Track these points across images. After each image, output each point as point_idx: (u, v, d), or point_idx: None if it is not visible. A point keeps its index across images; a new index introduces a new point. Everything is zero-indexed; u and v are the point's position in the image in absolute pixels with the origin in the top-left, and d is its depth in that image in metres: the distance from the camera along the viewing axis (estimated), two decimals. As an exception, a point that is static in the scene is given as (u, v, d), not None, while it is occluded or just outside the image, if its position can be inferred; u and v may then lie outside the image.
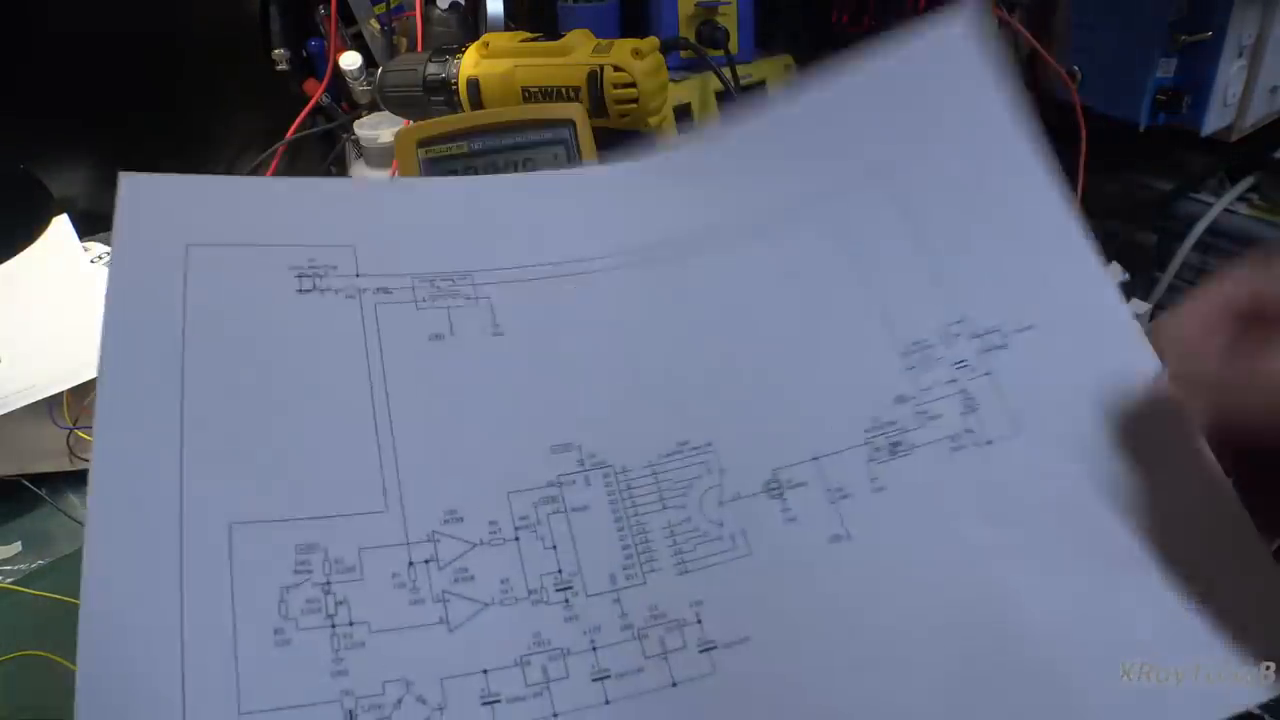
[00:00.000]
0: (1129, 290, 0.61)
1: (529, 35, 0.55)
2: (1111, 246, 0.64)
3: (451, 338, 0.27)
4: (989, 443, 0.26)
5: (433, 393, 0.26)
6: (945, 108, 0.31)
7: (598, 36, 0.52)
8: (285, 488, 0.24)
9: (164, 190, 0.28)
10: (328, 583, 0.23)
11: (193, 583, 0.22)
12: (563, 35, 0.52)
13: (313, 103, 0.70)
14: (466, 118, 0.47)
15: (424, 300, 0.28)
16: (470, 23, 0.67)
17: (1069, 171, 0.56)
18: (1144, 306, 0.61)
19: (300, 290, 0.27)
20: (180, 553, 0.22)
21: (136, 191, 0.27)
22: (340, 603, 0.23)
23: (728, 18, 0.68)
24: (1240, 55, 0.61)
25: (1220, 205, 0.69)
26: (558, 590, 0.24)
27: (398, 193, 0.30)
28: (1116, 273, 0.60)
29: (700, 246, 0.30)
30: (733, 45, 0.66)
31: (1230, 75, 0.60)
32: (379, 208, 0.30)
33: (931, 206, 0.30)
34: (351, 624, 0.22)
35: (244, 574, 0.22)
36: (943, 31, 0.31)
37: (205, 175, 0.28)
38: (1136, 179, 0.74)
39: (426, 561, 0.24)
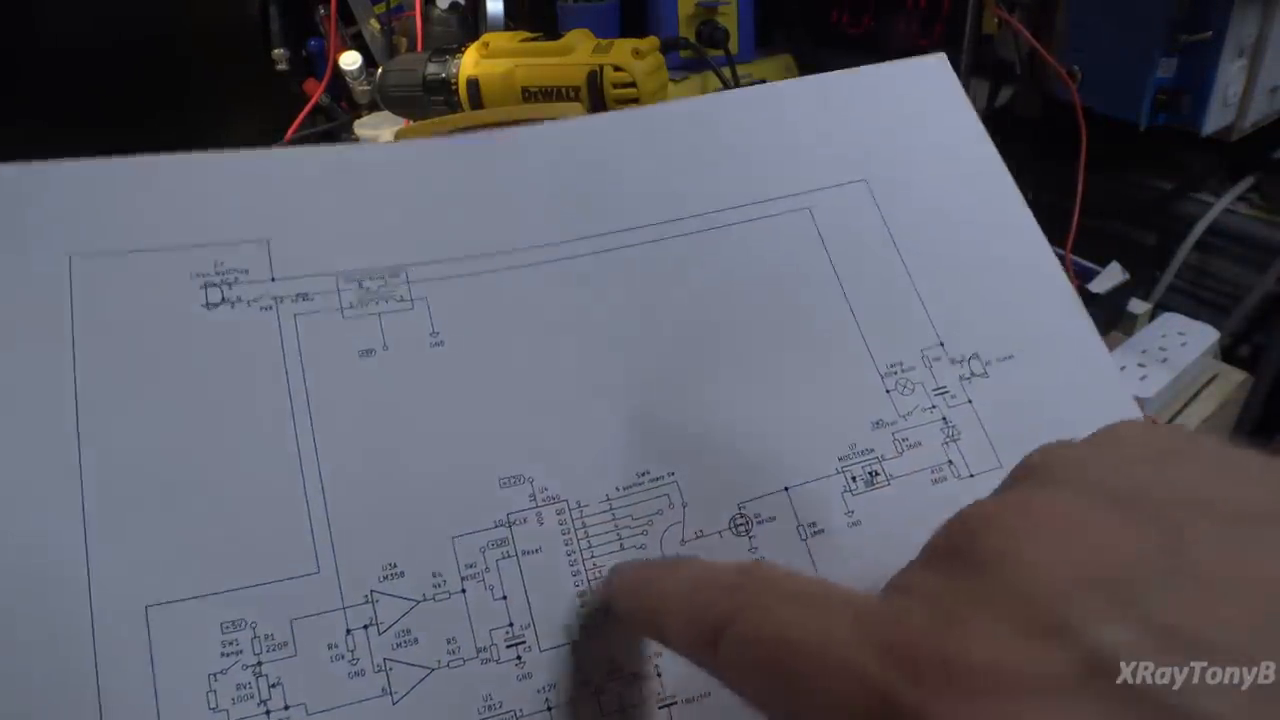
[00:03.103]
0: (1129, 290, 0.61)
1: (529, 35, 0.55)
2: (1111, 246, 0.64)
3: (385, 353, 0.24)
4: (971, 476, 0.25)
5: (365, 424, 0.23)
6: (923, 126, 0.31)
7: (598, 36, 0.52)
8: (205, 556, 0.21)
9: (39, 183, 0.24)
10: (259, 663, 0.21)
11: (110, 681, 0.20)
12: (563, 35, 0.52)
13: (313, 103, 0.70)
14: (466, 117, 0.47)
15: (351, 306, 0.24)
16: (470, 23, 0.67)
17: (1069, 171, 0.56)
18: (1144, 306, 0.61)
19: (207, 304, 0.24)
20: (94, 646, 0.20)
21: (3, 187, 0.23)
22: (274, 685, 0.20)
23: (728, 17, 0.68)
24: (1240, 55, 0.61)
25: (1220, 205, 0.69)
26: (509, 646, 0.22)
27: (316, 165, 0.26)
28: (1116, 273, 0.60)
29: (665, 233, 0.27)
30: (733, 45, 0.66)
31: (1230, 75, 0.60)
32: (295, 187, 0.26)
33: (909, 220, 0.29)
34: (287, 707, 0.20)
35: (166, 664, 0.20)
36: (918, 61, 0.32)
37: (88, 160, 0.24)
38: (1136, 179, 0.74)
39: (365, 627, 0.21)
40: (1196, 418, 0.54)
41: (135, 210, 0.24)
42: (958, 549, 0.14)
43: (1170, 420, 0.54)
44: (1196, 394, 0.56)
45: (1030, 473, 0.16)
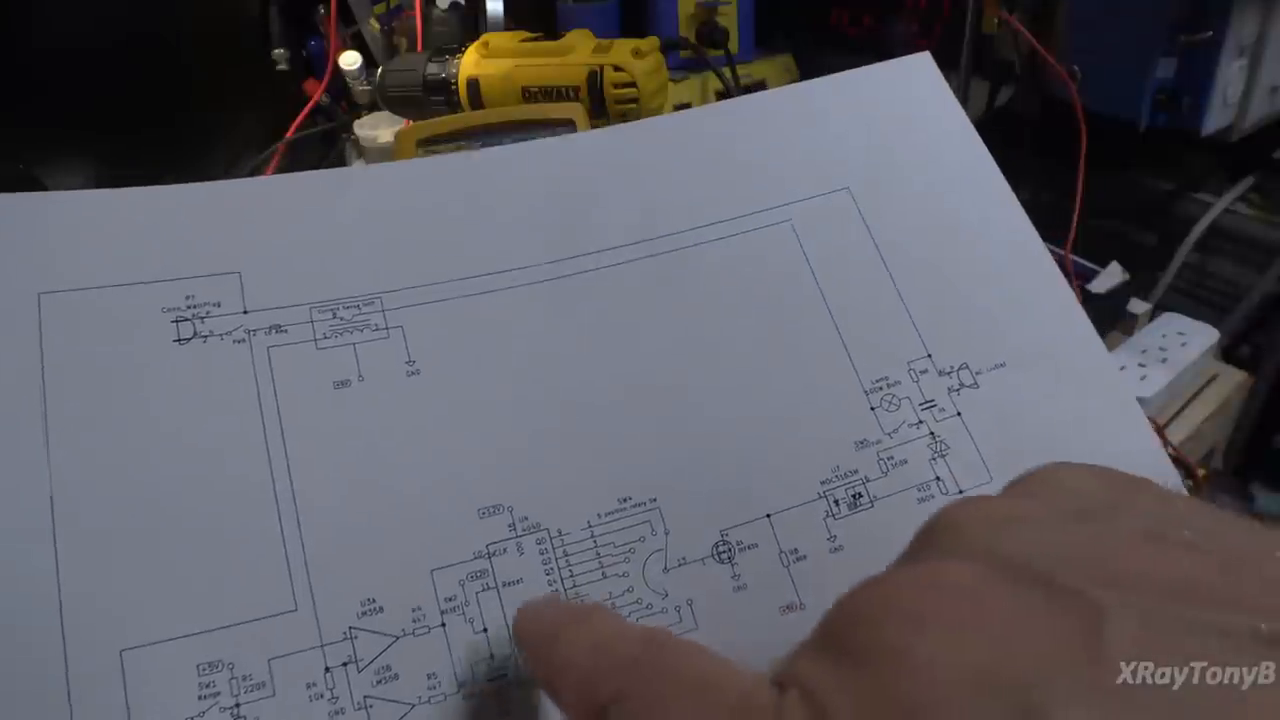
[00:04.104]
0: (1129, 290, 0.61)
1: (529, 35, 0.55)
2: (1111, 246, 0.64)
3: (360, 383, 0.24)
4: (960, 492, 0.25)
5: (341, 457, 0.23)
6: (909, 128, 0.30)
7: (598, 36, 0.52)
8: (180, 596, 0.21)
9: (3, 219, 0.23)
10: (237, 704, 0.20)
11: None
12: (563, 35, 0.52)
13: (313, 103, 0.70)
14: (466, 118, 0.47)
15: (325, 336, 0.24)
16: (470, 23, 0.67)
17: (1069, 171, 0.56)
18: (1144, 306, 0.61)
19: (178, 340, 0.23)
20: (68, 692, 0.19)
21: None
22: None
23: (728, 18, 0.68)
24: (1240, 55, 0.61)
25: (1220, 205, 0.69)
26: (490, 680, 0.21)
27: (287, 195, 0.26)
28: (1116, 273, 0.60)
29: (642, 253, 0.27)
30: (733, 45, 0.67)
31: (1230, 75, 0.60)
32: (266, 217, 0.25)
33: (894, 226, 0.28)
34: None
35: (142, 708, 0.20)
36: (902, 62, 0.31)
37: (55, 193, 0.24)
38: (1136, 179, 0.74)
39: (345, 664, 0.21)
40: (1196, 418, 0.54)
41: (103, 245, 0.24)
42: (845, 638, 0.13)
43: (1170, 420, 0.54)
44: (1196, 394, 0.56)
45: (936, 539, 0.15)
